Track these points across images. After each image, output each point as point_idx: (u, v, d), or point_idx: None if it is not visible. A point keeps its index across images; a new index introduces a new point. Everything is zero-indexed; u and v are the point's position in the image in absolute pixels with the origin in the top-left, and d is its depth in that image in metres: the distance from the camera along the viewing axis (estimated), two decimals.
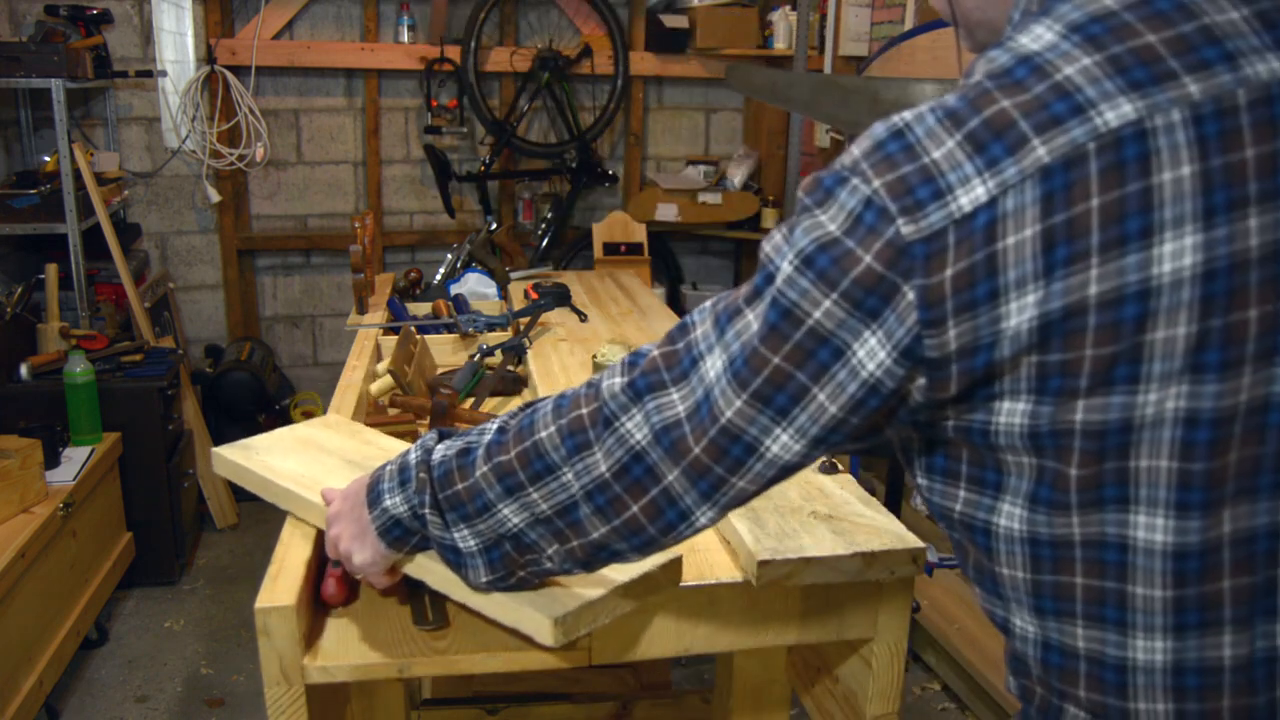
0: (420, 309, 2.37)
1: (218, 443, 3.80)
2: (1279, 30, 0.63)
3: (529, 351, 1.99)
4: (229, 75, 3.97)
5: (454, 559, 0.93)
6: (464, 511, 0.89)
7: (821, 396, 0.69)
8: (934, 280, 0.63)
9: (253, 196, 4.28)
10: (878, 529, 1.18)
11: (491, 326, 2.11)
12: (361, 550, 1.00)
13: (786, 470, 0.75)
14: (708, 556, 1.17)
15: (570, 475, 0.81)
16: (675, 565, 1.12)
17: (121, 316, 3.61)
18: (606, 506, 0.81)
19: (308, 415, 4.29)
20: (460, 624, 1.15)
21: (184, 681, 2.80)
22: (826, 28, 3.97)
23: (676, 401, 0.75)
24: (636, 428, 0.77)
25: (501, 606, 1.01)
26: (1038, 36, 0.65)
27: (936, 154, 0.64)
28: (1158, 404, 0.63)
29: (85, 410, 2.99)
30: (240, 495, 3.89)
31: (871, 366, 0.67)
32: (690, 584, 1.12)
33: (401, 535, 0.96)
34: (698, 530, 0.80)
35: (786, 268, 0.69)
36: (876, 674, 1.22)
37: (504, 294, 2.57)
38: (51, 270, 3.25)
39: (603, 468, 0.79)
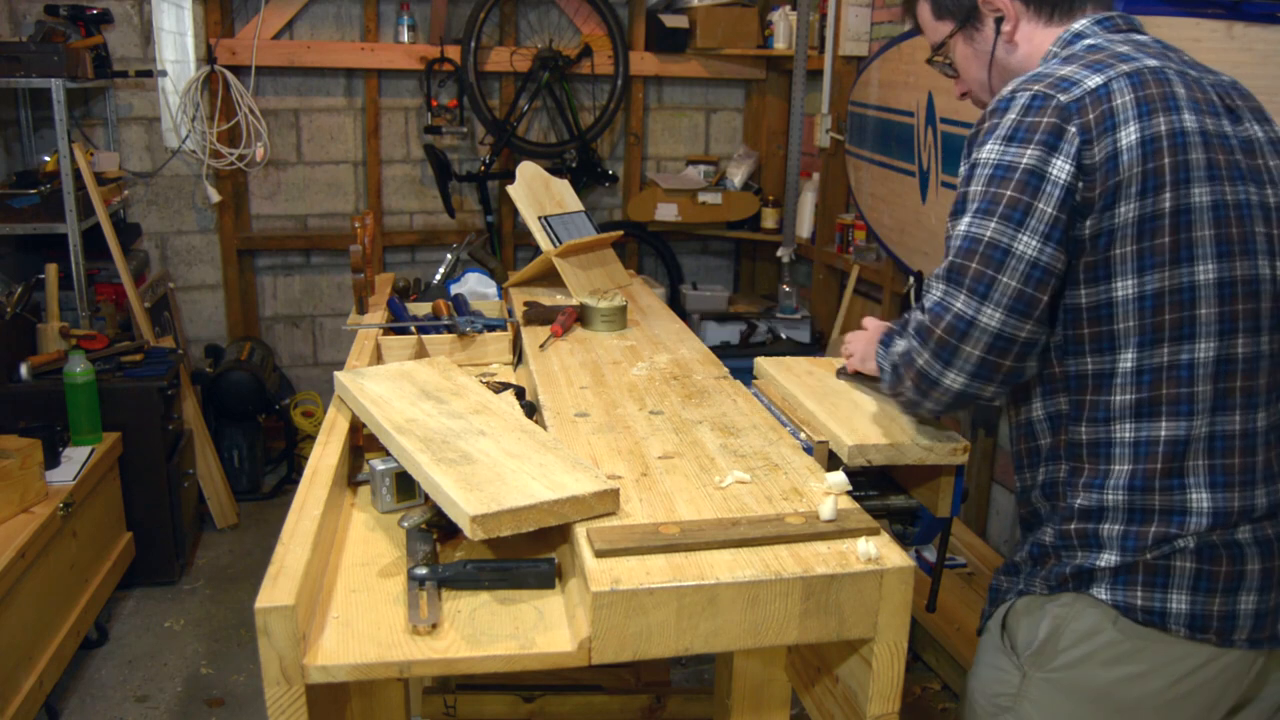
0: (420, 309, 2.37)
1: (217, 443, 3.81)
2: (1146, 49, 1.24)
3: (530, 353, 2.00)
4: (229, 75, 3.98)
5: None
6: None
7: (1039, 203, 1.15)
8: (1084, 120, 1.16)
9: (253, 196, 4.28)
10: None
11: (491, 327, 2.11)
12: (861, 347, 1.58)
13: (1036, 267, 1.15)
14: (706, 557, 1.18)
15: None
16: (609, 495, 1.25)
17: (121, 316, 3.61)
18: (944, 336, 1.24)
19: (307, 415, 4.29)
20: (456, 624, 1.15)
21: (184, 681, 2.80)
22: (826, 28, 3.97)
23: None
24: (943, 293, 1.21)
25: (444, 497, 1.23)
26: (1067, 59, 1.25)
27: (1065, 71, 1.20)
28: (1205, 195, 1.17)
29: (85, 410, 2.99)
30: (240, 495, 3.90)
31: (1064, 176, 1.15)
32: (690, 584, 1.12)
33: (878, 357, 1.39)
34: (986, 327, 1.16)
35: (995, 150, 1.18)
36: (876, 674, 1.22)
37: (504, 295, 2.57)
38: (51, 270, 3.25)
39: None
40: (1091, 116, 1.15)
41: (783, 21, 4.22)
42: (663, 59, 4.46)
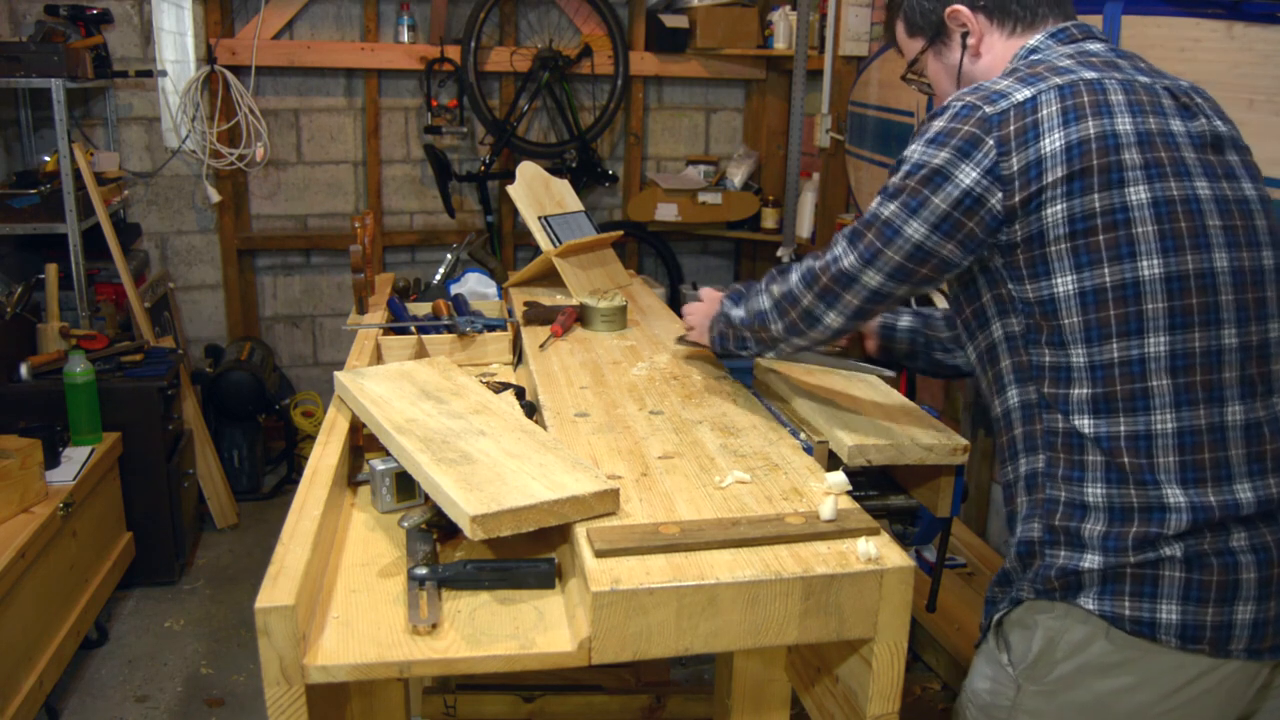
0: (420, 309, 2.37)
1: (217, 444, 3.81)
2: (1091, 59, 1.29)
3: (530, 353, 2.00)
4: (229, 75, 3.98)
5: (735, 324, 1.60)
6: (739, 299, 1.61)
7: (936, 199, 1.25)
8: (1004, 133, 1.22)
9: (253, 196, 4.28)
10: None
11: (491, 327, 2.11)
12: (699, 319, 1.75)
13: (919, 249, 1.27)
14: (706, 557, 1.18)
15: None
16: (609, 495, 1.25)
17: (121, 316, 3.61)
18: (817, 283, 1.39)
19: (307, 415, 4.29)
20: (456, 624, 1.15)
21: (184, 681, 2.80)
22: (826, 28, 3.97)
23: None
24: (841, 250, 1.36)
25: (444, 497, 1.23)
26: (1009, 73, 1.32)
27: (1000, 85, 1.27)
28: (1144, 193, 1.21)
29: (85, 410, 2.99)
30: (240, 495, 3.90)
31: (967, 181, 1.23)
32: (690, 584, 1.12)
33: (722, 318, 1.64)
34: (866, 285, 1.32)
35: (917, 149, 1.27)
36: (876, 674, 1.22)
37: (504, 295, 2.57)
38: (51, 270, 3.25)
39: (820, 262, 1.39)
40: (1013, 129, 1.22)
41: (783, 21, 4.22)
42: (663, 59, 4.46)
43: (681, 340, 1.92)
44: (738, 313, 1.56)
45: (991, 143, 1.22)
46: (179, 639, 3.01)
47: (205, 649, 2.96)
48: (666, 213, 4.45)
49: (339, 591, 1.22)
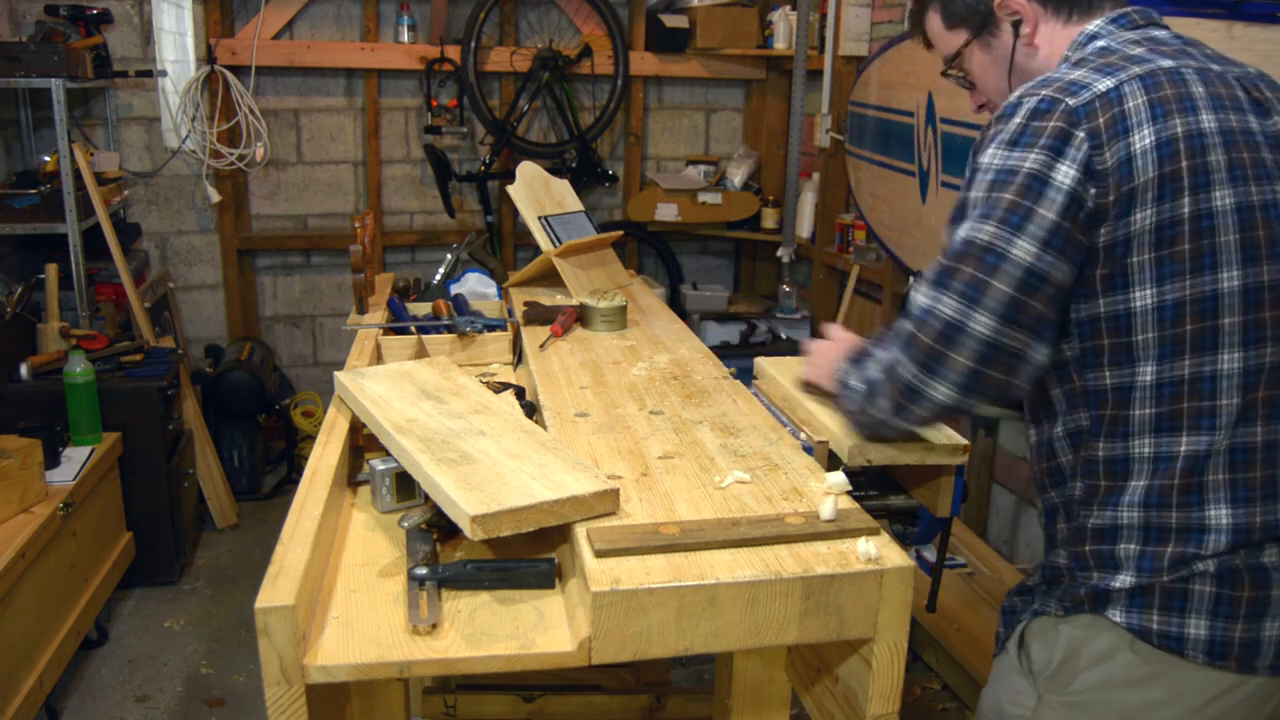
0: (420, 309, 2.37)
1: (217, 444, 3.81)
2: (1163, 48, 1.21)
3: (530, 353, 2.00)
4: (229, 75, 3.98)
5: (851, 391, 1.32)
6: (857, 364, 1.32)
7: (1040, 208, 1.11)
8: (1094, 125, 1.12)
9: (253, 196, 4.28)
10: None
11: (491, 327, 2.11)
12: (818, 370, 1.50)
13: (1032, 273, 1.10)
14: (706, 557, 1.18)
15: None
16: (609, 495, 1.25)
17: (121, 316, 3.61)
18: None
19: (307, 415, 4.29)
20: (456, 624, 1.15)
21: (184, 681, 2.80)
22: (826, 28, 3.97)
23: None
24: (931, 299, 1.15)
25: (444, 497, 1.24)
26: (1078, 63, 1.21)
27: (1074, 75, 1.17)
28: (1226, 197, 1.13)
29: (85, 410, 2.99)
30: (240, 495, 3.90)
31: (1068, 182, 1.11)
32: (690, 584, 1.12)
33: (843, 374, 1.35)
34: (976, 334, 1.11)
35: (998, 155, 1.15)
36: (876, 674, 1.22)
37: (504, 295, 2.57)
38: (51, 270, 3.25)
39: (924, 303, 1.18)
40: (1101, 120, 1.12)
41: (783, 21, 4.22)
42: (663, 59, 4.46)
43: (806, 387, 1.59)
44: (855, 383, 1.31)
45: (1082, 135, 1.11)
46: (179, 639, 3.01)
47: (205, 649, 2.96)
48: (666, 213, 4.45)
49: (339, 591, 1.22)
